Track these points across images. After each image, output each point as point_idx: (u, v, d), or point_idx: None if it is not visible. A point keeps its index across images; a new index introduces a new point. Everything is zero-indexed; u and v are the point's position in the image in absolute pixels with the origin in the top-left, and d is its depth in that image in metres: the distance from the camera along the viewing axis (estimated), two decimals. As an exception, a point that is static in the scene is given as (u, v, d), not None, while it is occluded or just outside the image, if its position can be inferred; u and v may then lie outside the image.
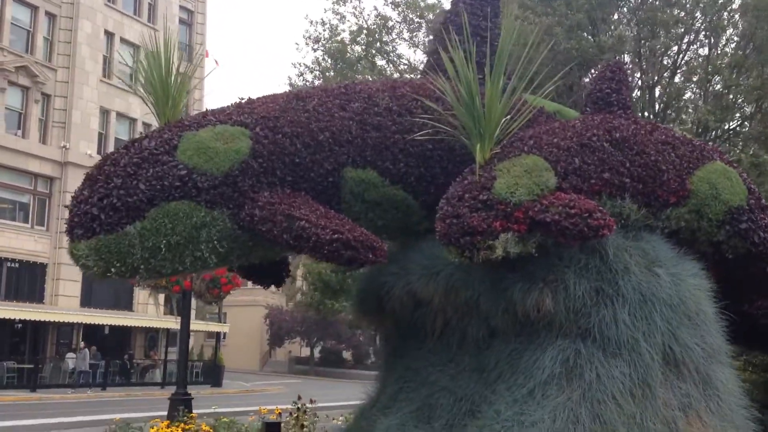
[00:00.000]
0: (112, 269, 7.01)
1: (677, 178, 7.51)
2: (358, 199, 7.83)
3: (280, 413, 13.70)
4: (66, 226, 7.17)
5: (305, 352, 73.56)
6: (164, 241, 7.00)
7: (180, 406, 18.23)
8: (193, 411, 17.60)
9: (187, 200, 7.12)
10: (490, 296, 7.47)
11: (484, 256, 6.85)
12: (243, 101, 8.06)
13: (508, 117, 7.32)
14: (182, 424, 13.21)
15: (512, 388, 7.23)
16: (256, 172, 7.37)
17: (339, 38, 22.31)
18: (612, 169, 7.31)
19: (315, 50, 22.80)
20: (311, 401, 13.38)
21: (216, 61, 51.73)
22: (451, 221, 6.86)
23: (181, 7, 49.45)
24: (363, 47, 21.93)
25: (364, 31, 21.94)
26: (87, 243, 6.96)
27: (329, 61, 22.23)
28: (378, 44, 21.89)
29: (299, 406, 12.67)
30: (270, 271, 9.05)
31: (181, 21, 49.51)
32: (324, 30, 22.52)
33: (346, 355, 72.80)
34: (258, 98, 8.13)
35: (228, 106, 8.01)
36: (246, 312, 69.57)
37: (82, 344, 37.71)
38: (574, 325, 7.18)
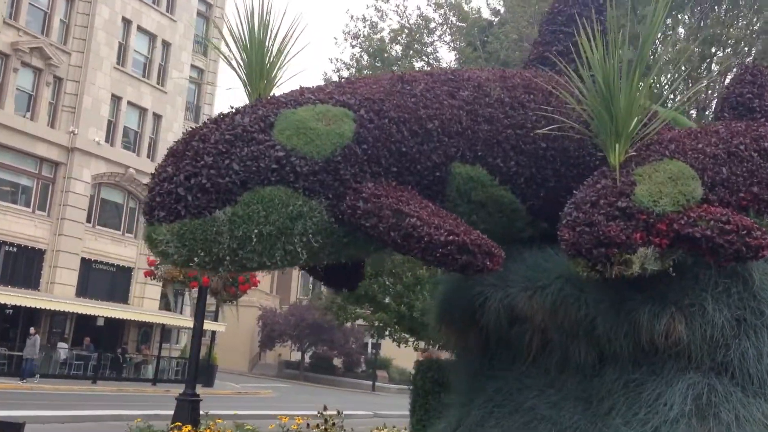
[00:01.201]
0: (195, 258, 6.16)
1: None
2: (464, 199, 7.01)
3: (301, 423, 12.84)
4: (144, 206, 6.31)
5: (295, 356, 72.47)
6: (256, 231, 6.16)
7: (188, 407, 17.27)
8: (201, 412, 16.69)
9: (284, 186, 6.29)
10: (609, 318, 6.65)
11: (618, 271, 6.05)
12: (343, 81, 7.23)
13: (644, 117, 6.52)
14: (208, 430, 12.28)
15: (631, 422, 6.41)
16: (359, 159, 6.53)
17: (379, 36, 21.57)
18: (762, 182, 6.52)
19: (353, 46, 22.07)
20: (338, 412, 12.52)
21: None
22: (582, 229, 6.04)
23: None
24: (403, 47, 21.16)
25: (405, 30, 21.19)
26: (169, 227, 6.11)
27: (367, 58, 21.44)
28: (417, 45, 21.14)
29: (326, 417, 11.79)
30: (344, 273, 8.20)
31: (199, 13, 48.62)
32: (364, 26, 21.77)
33: (337, 362, 71.79)
34: (359, 79, 7.31)
35: (326, 85, 7.19)
36: (239, 312, 68.36)
37: (32, 330, 35.37)
38: (709, 357, 6.38)
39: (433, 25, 21.63)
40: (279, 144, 6.36)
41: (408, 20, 21.64)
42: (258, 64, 6.93)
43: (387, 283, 18.28)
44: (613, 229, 5.93)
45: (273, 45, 7.02)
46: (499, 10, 25.43)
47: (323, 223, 6.41)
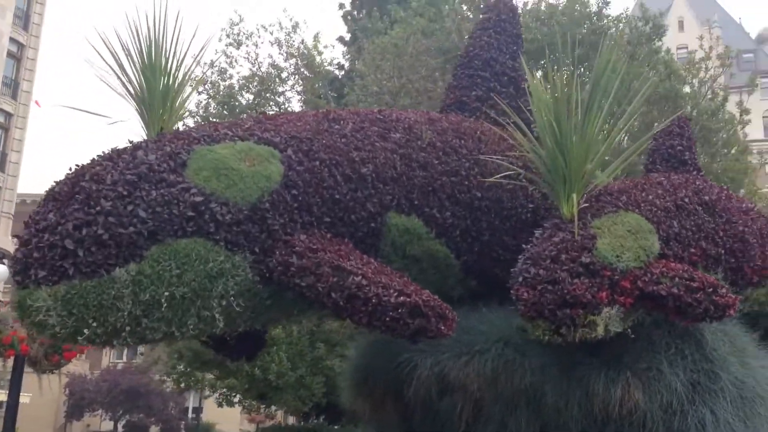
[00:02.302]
0: (85, 330, 4.89)
1: (762, 255, 6.60)
2: (399, 253, 6.23)
3: None
4: (16, 264, 4.96)
5: (107, 425, 67.05)
6: (166, 294, 5.01)
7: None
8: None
9: (202, 238, 5.21)
10: (559, 385, 6.07)
11: (582, 334, 5.49)
12: (261, 116, 6.27)
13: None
14: None
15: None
16: (289, 207, 5.59)
17: (227, 83, 20.39)
18: (708, 237, 6.27)
19: (200, 93, 20.65)
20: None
21: (37, 102, 46.89)
22: (544, 287, 5.45)
23: (12, 39, 44.76)
24: (254, 95, 20.15)
25: (257, 78, 20.23)
26: (52, 290, 4.83)
27: (214, 105, 20.18)
28: (269, 94, 20.23)
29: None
30: (243, 341, 7.08)
31: (10, 54, 44.70)
32: (212, 73, 20.53)
33: (154, 430, 67.23)
34: (280, 114, 6.36)
35: (242, 120, 6.19)
36: (43, 380, 62.24)
37: None
38: (664, 425, 5.92)
39: (285, 74, 20.92)
40: (195, 187, 5.28)
41: (260, 68, 20.75)
42: (160, 91, 5.83)
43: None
44: (579, 288, 5.38)
45: (178, 69, 5.97)
46: (344, 65, 25.24)
47: (247, 283, 5.37)
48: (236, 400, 19.19)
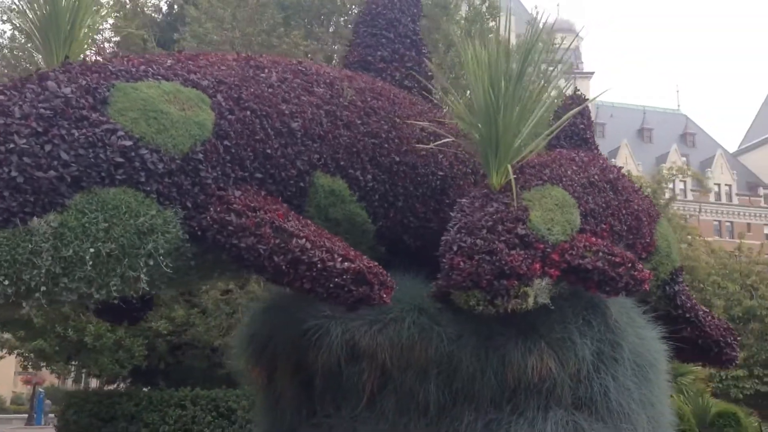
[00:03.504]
0: None
1: (649, 232, 7.00)
2: (322, 216, 5.89)
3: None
4: None
5: None
6: (92, 250, 4.35)
7: None
8: None
9: (132, 188, 4.57)
10: (476, 354, 6.07)
11: (514, 305, 5.51)
12: (181, 54, 5.59)
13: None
14: None
15: (496, 467, 5.90)
16: (222, 160, 5.07)
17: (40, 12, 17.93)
18: (614, 214, 6.52)
19: (4, 22, 18.08)
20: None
21: None
22: (482, 258, 5.39)
23: None
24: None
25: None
26: None
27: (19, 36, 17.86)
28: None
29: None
30: (128, 302, 6.38)
31: None
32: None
33: None
34: (199, 54, 5.70)
35: (159, 56, 5.48)
36: None
37: None
38: (571, 393, 6.15)
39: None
40: (122, 129, 4.61)
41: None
42: (62, 9, 5.02)
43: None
44: (515, 259, 5.38)
45: None
46: (161, 8, 23.59)
47: (176, 241, 4.81)
48: (43, 364, 17.66)
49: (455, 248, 5.53)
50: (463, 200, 6.01)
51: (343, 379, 6.47)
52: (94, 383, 22.98)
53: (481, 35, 19.48)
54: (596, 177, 6.55)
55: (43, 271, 4.22)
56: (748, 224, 65.66)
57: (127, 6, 19.38)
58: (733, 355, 7.73)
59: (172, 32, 19.84)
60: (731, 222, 66.28)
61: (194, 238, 4.89)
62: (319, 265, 4.90)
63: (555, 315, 6.11)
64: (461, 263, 5.43)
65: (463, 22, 19.28)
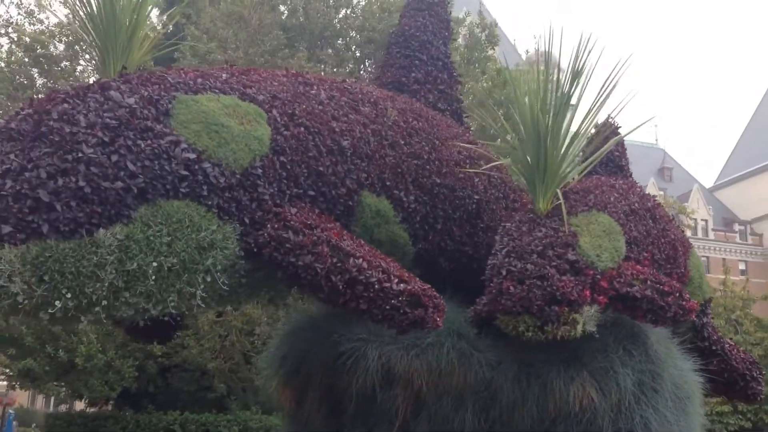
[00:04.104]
0: (57, 302, 3.96)
1: (684, 262, 6.97)
2: (367, 235, 5.78)
3: None
4: None
5: None
6: (155, 264, 4.20)
7: None
8: None
9: (195, 202, 4.44)
10: (517, 382, 5.96)
11: (563, 332, 5.43)
12: (233, 68, 5.49)
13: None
14: None
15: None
16: (278, 176, 4.96)
17: (36, 27, 17.65)
18: (654, 242, 6.48)
19: (2, 35, 17.71)
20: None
21: None
22: (533, 283, 5.31)
23: None
24: (66, 46, 17.63)
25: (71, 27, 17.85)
26: (18, 251, 3.86)
27: (20, 54, 17.47)
28: (83, 44, 17.96)
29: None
30: (159, 323, 6.21)
31: None
32: (19, 13, 17.57)
33: None
34: (250, 70, 5.60)
35: (213, 71, 5.36)
36: None
37: None
38: (612, 425, 6.03)
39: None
40: (185, 142, 4.50)
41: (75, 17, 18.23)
42: (120, 23, 4.92)
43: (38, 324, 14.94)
44: (567, 285, 5.30)
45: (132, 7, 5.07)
46: (156, 26, 23.42)
47: (232, 258, 4.68)
48: (30, 383, 17.18)
49: (504, 272, 5.45)
50: (508, 224, 5.94)
51: (376, 404, 6.32)
52: (76, 405, 22.44)
53: (481, 62, 19.67)
54: (636, 205, 6.52)
55: (106, 284, 4.07)
56: (723, 259, 66.35)
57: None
58: (758, 389, 7.69)
59: (169, 50, 19.74)
60: (707, 257, 66.95)
61: (249, 254, 4.77)
62: (376, 286, 4.79)
63: (597, 343, 6.03)
64: (511, 288, 5.35)
65: (462, 49, 19.40)
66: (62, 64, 18.09)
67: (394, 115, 6.19)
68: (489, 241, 6.85)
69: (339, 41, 19.99)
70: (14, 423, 42.36)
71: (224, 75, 5.24)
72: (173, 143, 4.43)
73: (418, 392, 6.20)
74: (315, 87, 5.72)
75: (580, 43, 6.03)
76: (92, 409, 18.96)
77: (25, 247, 3.86)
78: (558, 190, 5.74)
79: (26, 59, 18.12)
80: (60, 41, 18.34)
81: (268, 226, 4.76)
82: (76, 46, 18.31)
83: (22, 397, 52.22)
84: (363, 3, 19.57)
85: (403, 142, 6.09)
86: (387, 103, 6.25)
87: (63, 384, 16.62)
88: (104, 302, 4.12)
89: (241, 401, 18.17)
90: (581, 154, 6.39)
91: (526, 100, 5.86)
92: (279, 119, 5.12)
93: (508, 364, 6.01)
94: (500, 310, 5.45)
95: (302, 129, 5.23)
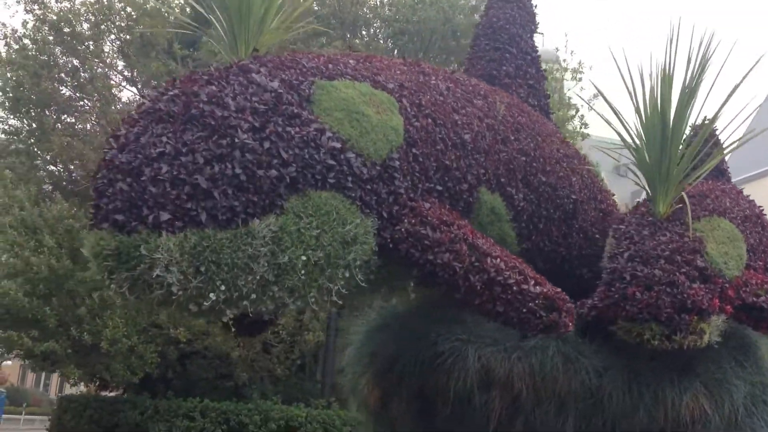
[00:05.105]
0: (211, 294, 3.70)
1: None
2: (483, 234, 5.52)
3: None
4: (113, 200, 3.64)
5: None
6: (303, 258, 3.95)
7: None
8: None
9: (340, 194, 4.19)
10: (625, 390, 5.75)
11: (691, 341, 5.21)
12: (350, 53, 5.23)
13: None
14: None
15: None
16: (411, 169, 4.71)
17: (63, 3, 17.22)
18: (765, 251, 6.25)
19: (29, 11, 17.24)
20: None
21: None
22: (661, 290, 5.08)
23: None
24: (91, 24, 17.19)
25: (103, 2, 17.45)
26: (177, 239, 3.59)
27: (46, 30, 17.04)
28: (109, 23, 17.55)
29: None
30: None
31: None
32: None
33: None
34: (370, 56, 5.33)
35: (337, 56, 5.09)
36: None
37: None
38: (723, 437, 5.84)
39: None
40: (329, 130, 4.24)
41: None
42: (255, 2, 4.64)
43: (62, 305, 14.66)
44: (697, 293, 5.08)
45: None
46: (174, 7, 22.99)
47: (369, 253, 4.42)
48: (51, 367, 16.85)
49: (628, 277, 5.22)
50: (622, 227, 5.71)
51: (471, 406, 6.09)
52: (83, 389, 22.11)
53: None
54: (748, 211, 6.30)
55: (258, 277, 3.81)
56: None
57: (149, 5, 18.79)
58: None
59: (195, 33, 19.27)
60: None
61: (383, 250, 4.51)
62: (514, 288, 4.56)
63: (710, 354, 5.81)
64: (637, 294, 5.12)
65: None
66: (86, 43, 17.67)
67: (502, 109, 5.94)
68: (581, 242, 6.63)
69: (367, 30, 19.68)
70: (6, 401, 41.96)
71: (352, 61, 4.97)
72: (319, 131, 4.17)
73: (517, 396, 5.97)
74: (433, 77, 5.46)
75: (701, 40, 5.80)
76: (106, 393, 18.62)
77: (182, 235, 3.61)
78: (683, 194, 5.52)
79: (50, 37, 17.70)
80: (86, 20, 17.92)
81: (405, 221, 4.51)
82: (103, 26, 17.92)
83: (12, 376, 51.76)
84: None
85: (513, 138, 5.85)
86: (495, 97, 6.00)
87: (83, 367, 16.30)
88: (253, 296, 3.86)
89: (259, 390, 17.88)
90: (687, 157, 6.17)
91: (647, 98, 5.62)
92: (409, 109, 4.86)
93: (615, 371, 5.79)
94: (623, 316, 5.22)
95: (429, 120, 4.97)
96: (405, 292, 5.25)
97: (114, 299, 15.16)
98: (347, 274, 4.27)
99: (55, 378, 51.62)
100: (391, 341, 6.34)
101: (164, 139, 3.73)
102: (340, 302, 4.37)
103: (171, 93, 4.01)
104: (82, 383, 20.47)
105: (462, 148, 5.20)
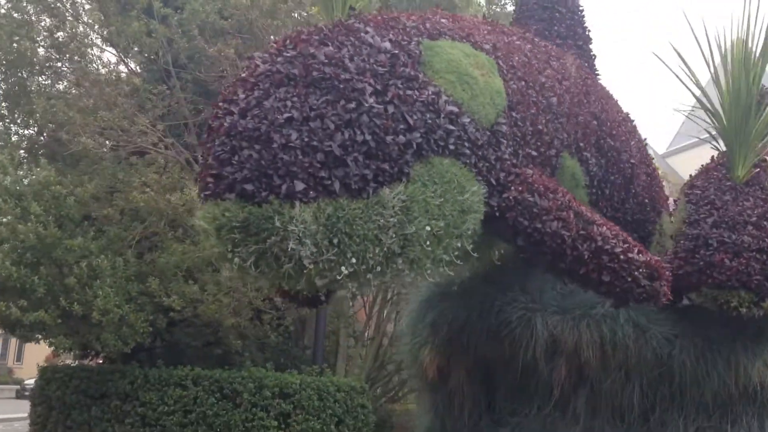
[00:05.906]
0: (343, 267, 3.48)
1: None
2: None
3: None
4: (240, 169, 3.38)
5: None
6: (428, 228, 3.75)
7: None
8: None
9: (459, 160, 3.98)
10: (698, 356, 5.72)
11: (774, 309, 5.17)
12: (439, 11, 4.95)
13: None
14: None
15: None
16: (512, 134, 4.51)
17: None
18: None
19: None
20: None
21: None
22: (752, 256, 5.05)
23: None
24: None
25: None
26: (312, 209, 3.36)
27: None
28: None
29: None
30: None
31: None
32: None
33: None
34: (452, 16, 5.06)
35: (424, 15, 4.81)
36: None
37: None
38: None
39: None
40: (444, 93, 4.01)
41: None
42: None
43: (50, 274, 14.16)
44: None
45: None
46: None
47: (478, 223, 4.23)
48: (40, 336, 16.35)
49: (715, 244, 5.14)
50: (698, 192, 5.61)
51: (535, 375, 6.02)
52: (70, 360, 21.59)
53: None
54: None
55: (384, 249, 3.59)
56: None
57: None
58: None
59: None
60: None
61: (486, 219, 4.33)
62: (621, 257, 4.43)
63: (773, 321, 5.80)
64: (726, 260, 5.05)
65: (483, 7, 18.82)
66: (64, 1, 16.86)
67: (573, 71, 5.76)
68: (634, 208, 6.54)
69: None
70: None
71: (444, 20, 4.72)
72: (436, 95, 3.94)
73: (584, 365, 5.91)
74: (514, 37, 5.25)
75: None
76: (90, 362, 18.20)
77: (316, 206, 3.37)
78: (766, 158, 5.44)
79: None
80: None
81: (512, 188, 4.33)
82: None
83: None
84: None
85: (585, 101, 5.69)
86: (566, 60, 5.81)
87: (72, 337, 15.85)
88: (378, 268, 3.65)
89: (249, 358, 17.67)
90: None
91: (729, 60, 5.49)
92: (506, 71, 4.65)
93: (687, 338, 5.75)
94: (709, 283, 5.15)
95: (523, 83, 4.77)
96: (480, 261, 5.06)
97: (104, 268, 14.72)
98: (459, 245, 4.09)
99: (13, 343, 50.51)
100: (453, 311, 6.20)
101: (289, 103, 3.47)
102: (452, 273, 4.19)
103: (287, 54, 3.73)
104: (50, 351, 19.95)
105: (550, 112, 5.03)
